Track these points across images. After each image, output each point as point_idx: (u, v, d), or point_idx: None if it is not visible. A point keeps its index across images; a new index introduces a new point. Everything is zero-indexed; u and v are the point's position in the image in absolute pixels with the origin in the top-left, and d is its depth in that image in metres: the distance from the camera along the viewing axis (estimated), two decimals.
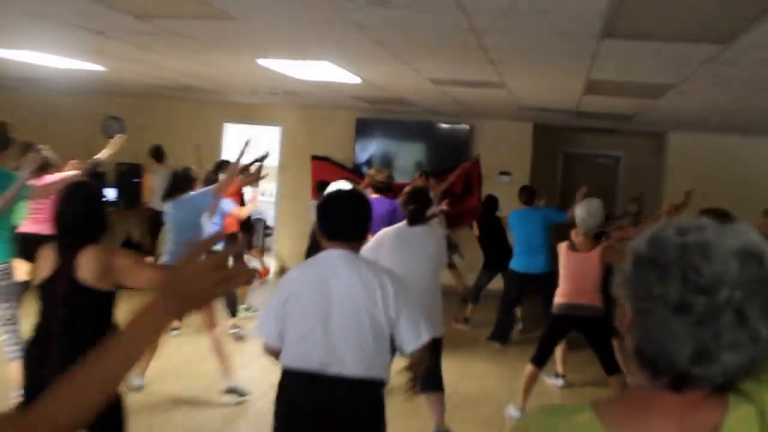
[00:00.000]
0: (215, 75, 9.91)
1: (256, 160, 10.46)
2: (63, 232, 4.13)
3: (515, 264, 9.95)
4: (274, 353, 3.91)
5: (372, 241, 6.05)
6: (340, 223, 3.91)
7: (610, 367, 6.94)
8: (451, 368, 6.62)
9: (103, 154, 8.27)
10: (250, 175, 9.43)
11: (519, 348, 9.79)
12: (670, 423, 1.42)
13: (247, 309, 10.40)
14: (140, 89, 12.99)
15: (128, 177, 13.90)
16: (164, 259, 7.49)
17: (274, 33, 6.40)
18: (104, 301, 4.03)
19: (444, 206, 10.02)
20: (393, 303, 3.75)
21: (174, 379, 7.52)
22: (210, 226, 8.42)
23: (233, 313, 9.38)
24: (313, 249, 7.98)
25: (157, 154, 12.58)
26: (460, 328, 10.67)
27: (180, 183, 7.40)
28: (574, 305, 7.01)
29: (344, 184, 7.51)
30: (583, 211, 7.10)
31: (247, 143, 10.64)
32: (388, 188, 8.49)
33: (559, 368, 8.45)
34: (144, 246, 12.81)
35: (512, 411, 7.21)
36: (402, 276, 5.92)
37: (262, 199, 16.82)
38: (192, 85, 11.57)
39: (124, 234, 13.63)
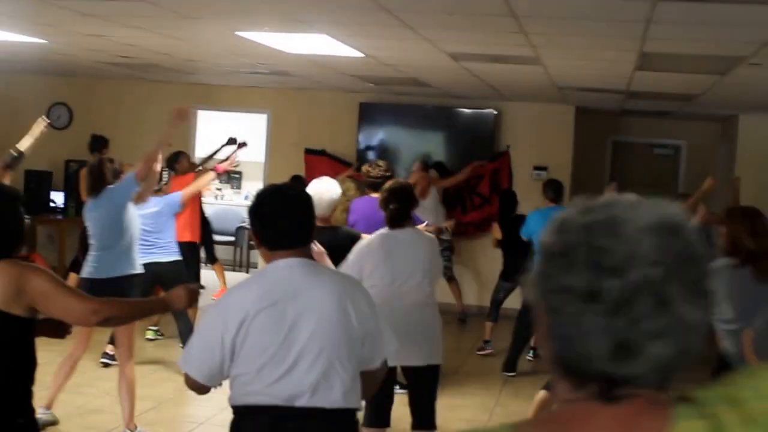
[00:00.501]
0: (184, 50, 9.91)
1: (229, 142, 10.49)
2: None
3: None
4: (201, 390, 3.84)
5: (352, 253, 6.07)
6: (284, 225, 3.83)
7: None
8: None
9: (23, 144, 8.09)
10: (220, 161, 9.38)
11: (522, 380, 9.81)
12: None
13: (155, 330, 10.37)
14: (92, 68, 12.97)
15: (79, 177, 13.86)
16: (85, 271, 7.26)
17: None
18: (15, 328, 3.89)
19: (449, 224, 9.99)
20: (367, 315, 3.77)
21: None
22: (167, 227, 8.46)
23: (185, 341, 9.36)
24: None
25: (94, 144, 12.05)
26: (486, 353, 10.65)
27: (95, 177, 7.27)
28: None
29: (327, 180, 7.25)
30: None
31: (232, 141, 10.67)
32: (383, 184, 8.38)
33: None
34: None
35: None
36: (391, 291, 5.98)
37: (246, 203, 16.81)
38: (155, 63, 11.58)
39: (75, 248, 13.59)
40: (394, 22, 6.83)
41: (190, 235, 10.00)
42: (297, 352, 3.63)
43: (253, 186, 16.42)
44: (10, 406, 3.93)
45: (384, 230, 6.20)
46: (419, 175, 11.69)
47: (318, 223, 6.52)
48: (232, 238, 15.98)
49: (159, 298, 4.74)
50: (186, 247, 9.55)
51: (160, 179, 8.77)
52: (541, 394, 7.16)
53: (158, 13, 7.22)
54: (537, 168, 13.67)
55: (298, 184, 9.15)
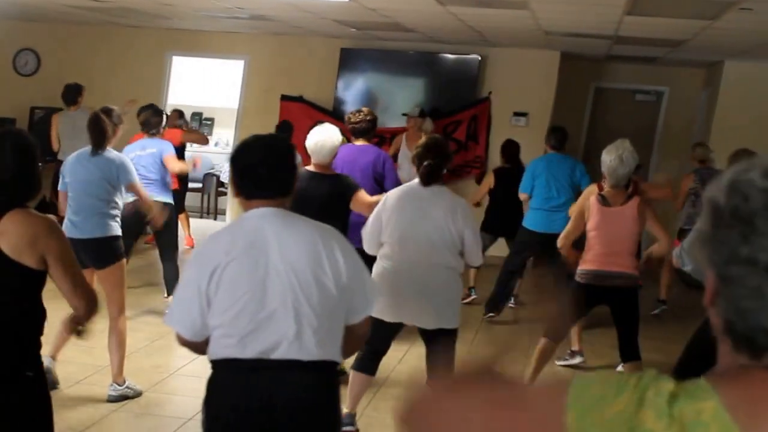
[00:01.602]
0: None
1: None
2: None
3: (532, 222, 9.99)
4: (194, 347, 3.87)
5: (378, 205, 6.15)
6: (261, 175, 3.85)
7: (629, 351, 7.13)
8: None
9: None
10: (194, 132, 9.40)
11: (512, 328, 10.03)
12: None
13: None
14: (60, 12, 12.89)
15: (45, 124, 13.79)
16: (66, 228, 6.94)
17: None
18: (27, 279, 3.94)
19: None
20: (342, 265, 3.74)
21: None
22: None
23: (172, 290, 9.46)
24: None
25: (68, 95, 11.94)
26: (470, 300, 10.72)
27: (94, 134, 7.12)
28: (604, 273, 7.08)
29: (330, 127, 7.37)
30: (613, 157, 7.06)
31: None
32: (369, 131, 8.39)
33: (575, 345, 8.64)
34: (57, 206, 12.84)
35: None
36: (399, 248, 6.04)
37: (216, 150, 16.84)
38: (128, 7, 11.59)
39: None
40: None
41: (174, 184, 10.10)
42: (269, 303, 3.65)
43: (224, 133, 16.47)
44: (19, 359, 3.99)
45: (411, 184, 6.23)
46: (415, 123, 11.77)
47: (318, 171, 6.74)
48: (199, 185, 15.86)
49: None
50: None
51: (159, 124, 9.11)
52: (542, 342, 7.32)
53: None
54: (516, 114, 13.81)
55: (286, 128, 9.20)
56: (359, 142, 8.07)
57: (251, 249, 3.68)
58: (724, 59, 13.51)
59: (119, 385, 7.00)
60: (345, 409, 6.04)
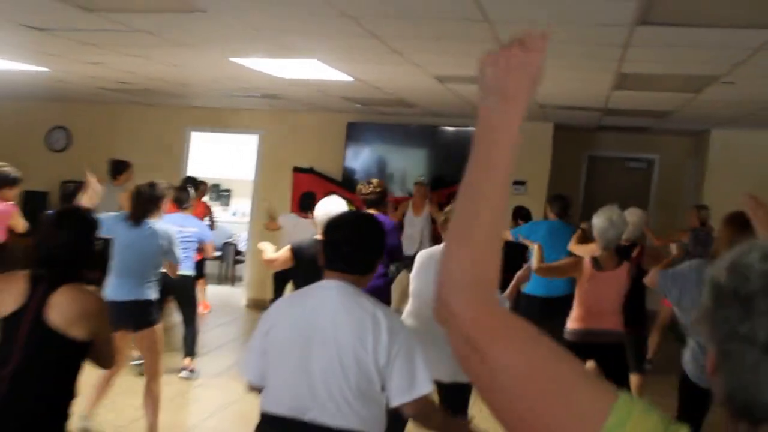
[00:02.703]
0: (181, 76, 9.91)
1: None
2: (40, 263, 4.00)
3: (535, 288, 9.86)
4: (258, 391, 3.88)
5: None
6: (342, 250, 3.83)
7: None
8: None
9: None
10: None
11: None
12: None
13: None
14: (90, 94, 12.97)
15: (73, 197, 13.69)
16: (108, 293, 7.12)
17: (250, 27, 6.39)
18: (69, 350, 3.91)
19: None
20: (385, 348, 3.63)
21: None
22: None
23: (191, 351, 9.37)
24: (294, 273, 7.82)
25: (112, 170, 11.63)
26: None
27: (145, 203, 7.16)
28: (591, 331, 7.01)
29: (336, 199, 7.41)
30: (602, 219, 7.02)
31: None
32: (379, 201, 8.34)
33: None
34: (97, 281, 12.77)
35: None
36: (420, 303, 6.01)
37: (233, 220, 16.86)
38: (152, 89, 11.56)
39: None
40: (384, 48, 6.84)
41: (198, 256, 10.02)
42: (309, 369, 3.65)
43: (241, 203, 16.42)
44: (49, 429, 3.98)
45: (436, 248, 6.36)
46: (420, 191, 11.64)
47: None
48: (219, 253, 15.69)
49: None
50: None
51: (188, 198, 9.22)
52: None
53: (154, 41, 7.23)
54: (516, 183, 13.66)
55: (309, 198, 9.14)
56: (370, 212, 8.01)
57: (303, 317, 3.76)
58: (710, 128, 13.43)
59: None
60: None
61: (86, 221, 4.23)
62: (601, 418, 1.37)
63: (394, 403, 3.68)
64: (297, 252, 6.72)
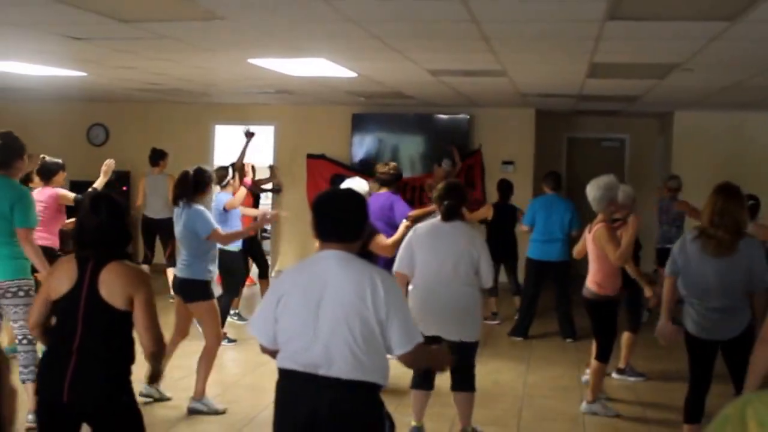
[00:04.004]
0: (205, 77, 9.94)
1: (246, 135, 10.53)
2: (85, 246, 4.07)
3: (532, 252, 10.07)
4: (271, 354, 3.93)
5: (409, 234, 6.30)
6: (331, 222, 3.88)
7: (596, 352, 7.19)
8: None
9: (98, 184, 8.26)
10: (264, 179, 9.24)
11: (533, 343, 9.87)
12: None
13: (237, 315, 10.45)
14: (125, 94, 13.00)
15: (115, 185, 13.81)
16: (179, 271, 7.15)
17: (265, 31, 6.42)
18: (122, 320, 3.99)
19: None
20: (383, 304, 3.67)
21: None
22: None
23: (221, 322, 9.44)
24: None
25: (152, 158, 12.08)
26: (491, 323, 10.69)
27: (195, 185, 7.09)
28: (584, 289, 7.22)
29: (359, 180, 7.50)
30: (592, 187, 7.07)
31: (248, 134, 10.62)
32: (392, 182, 8.38)
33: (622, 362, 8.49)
34: (139, 257, 12.90)
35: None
36: (430, 274, 6.07)
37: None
38: (179, 88, 11.58)
39: None
40: (384, 47, 6.86)
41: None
42: (318, 329, 3.69)
43: (263, 195, 16.49)
44: (113, 388, 4.03)
45: (434, 221, 6.32)
46: (442, 172, 11.64)
47: None
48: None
49: None
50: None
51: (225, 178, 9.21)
52: (594, 364, 7.24)
53: (181, 47, 7.25)
54: (505, 162, 13.80)
55: (340, 181, 9.14)
56: (383, 191, 8.05)
57: (310, 284, 3.77)
58: (674, 110, 13.49)
59: (197, 401, 7.03)
60: (413, 423, 6.43)
61: (117, 205, 4.23)
62: None
63: (397, 353, 3.73)
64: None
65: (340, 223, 3.87)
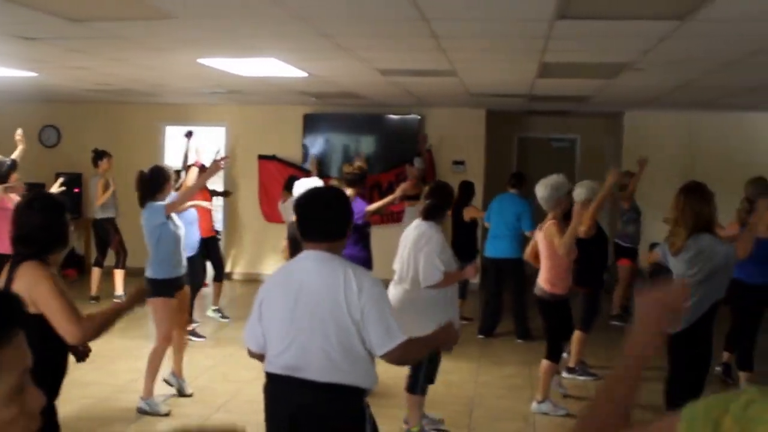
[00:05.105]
0: (155, 77, 9.80)
1: (186, 136, 10.43)
2: (17, 245, 3.94)
3: (485, 249, 10.19)
4: (258, 358, 3.90)
5: None
6: (314, 221, 3.83)
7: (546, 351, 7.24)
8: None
9: (17, 154, 8.28)
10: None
11: (485, 343, 9.87)
12: None
13: (216, 311, 10.45)
14: (77, 94, 12.78)
15: (68, 187, 13.61)
16: (148, 272, 7.11)
17: (216, 31, 6.35)
18: (37, 325, 3.71)
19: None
20: (357, 303, 3.60)
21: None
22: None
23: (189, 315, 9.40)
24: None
25: (94, 158, 11.89)
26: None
27: (153, 185, 7.09)
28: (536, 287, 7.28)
29: (313, 180, 7.48)
30: (541, 187, 7.15)
31: (189, 134, 10.51)
32: (357, 181, 8.31)
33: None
34: (87, 259, 12.76)
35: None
36: (398, 273, 6.16)
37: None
38: (130, 88, 11.43)
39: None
40: (334, 46, 6.80)
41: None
42: (294, 330, 3.67)
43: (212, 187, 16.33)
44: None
45: (418, 219, 6.39)
46: (415, 171, 11.57)
47: None
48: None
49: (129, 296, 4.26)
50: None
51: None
52: (544, 363, 7.25)
53: (132, 46, 7.15)
54: (456, 162, 13.80)
55: (295, 181, 8.97)
56: (348, 191, 8.01)
57: (288, 286, 3.76)
58: (624, 110, 13.59)
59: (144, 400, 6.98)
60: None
61: (56, 204, 4.09)
62: (676, 417, 1.47)
63: (378, 353, 3.67)
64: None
65: (323, 221, 3.82)
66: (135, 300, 4.19)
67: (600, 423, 1.73)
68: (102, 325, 3.98)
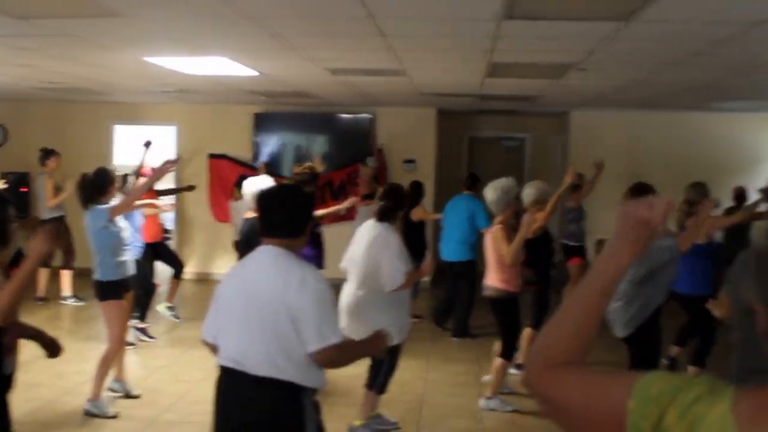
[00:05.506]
0: (102, 75, 9.72)
1: (145, 145, 10.33)
2: None
3: (441, 252, 10.18)
4: (211, 348, 3.92)
5: None
6: (273, 217, 3.84)
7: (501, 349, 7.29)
8: (366, 362, 6.61)
9: None
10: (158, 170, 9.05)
11: (434, 341, 9.91)
12: None
13: (170, 308, 10.39)
14: (24, 93, 12.65)
15: (15, 186, 13.44)
16: (96, 275, 6.99)
17: (162, 29, 6.32)
18: None
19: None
20: (296, 301, 3.60)
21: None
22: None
23: (142, 315, 9.34)
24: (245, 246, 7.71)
25: (41, 157, 11.54)
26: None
27: (97, 187, 6.95)
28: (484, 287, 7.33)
29: (263, 177, 7.45)
30: (490, 189, 7.20)
31: (146, 144, 10.41)
32: (308, 182, 8.28)
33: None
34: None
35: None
36: (351, 271, 6.15)
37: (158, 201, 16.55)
38: (79, 87, 11.32)
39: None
40: (283, 45, 6.81)
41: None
42: (240, 325, 3.71)
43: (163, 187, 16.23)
44: None
45: (372, 220, 6.35)
46: (369, 170, 11.57)
47: (253, 215, 6.64)
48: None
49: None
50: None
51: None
52: (498, 361, 7.31)
53: (79, 44, 7.10)
54: (406, 161, 13.83)
55: (241, 180, 8.87)
56: None
57: (240, 280, 3.81)
58: (570, 110, 13.73)
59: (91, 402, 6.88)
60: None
61: None
62: (624, 402, 1.47)
63: (307, 351, 3.64)
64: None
65: (282, 217, 3.83)
66: (39, 247, 3.84)
67: (561, 341, 1.70)
68: (12, 289, 3.79)
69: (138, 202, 8.10)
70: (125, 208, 7.16)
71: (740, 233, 9.99)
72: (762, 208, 9.80)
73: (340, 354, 3.75)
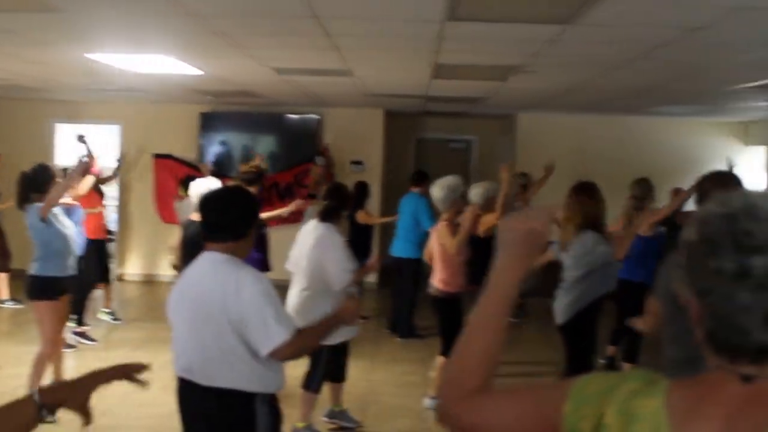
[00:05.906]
0: (42, 72, 9.56)
1: (79, 140, 10.15)
2: None
3: (391, 248, 10.26)
4: None
5: None
6: (213, 221, 3.75)
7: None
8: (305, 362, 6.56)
9: None
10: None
11: (378, 341, 9.90)
12: (722, 413, 1.37)
13: (109, 314, 10.26)
14: None
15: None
16: (32, 268, 6.83)
17: (104, 25, 6.23)
18: None
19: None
20: (235, 305, 3.53)
21: None
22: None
23: (80, 319, 9.21)
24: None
25: None
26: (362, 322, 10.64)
27: (36, 184, 6.80)
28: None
29: (210, 179, 7.41)
30: (437, 188, 7.23)
31: (81, 138, 10.24)
32: (254, 180, 8.25)
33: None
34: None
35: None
36: (294, 274, 6.13)
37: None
38: (18, 84, 11.13)
39: None
40: (227, 44, 6.75)
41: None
42: (188, 334, 3.67)
43: (107, 190, 16.00)
44: None
45: (314, 221, 6.33)
46: (319, 169, 11.55)
47: (198, 218, 6.57)
48: None
49: None
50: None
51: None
52: (439, 359, 7.29)
53: (16, 40, 6.98)
54: (354, 162, 13.83)
55: (188, 181, 8.78)
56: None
57: (184, 288, 3.76)
58: (517, 112, 13.83)
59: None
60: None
61: None
62: (560, 406, 1.49)
63: (262, 354, 3.59)
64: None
65: (225, 220, 3.74)
66: None
67: (472, 367, 1.70)
68: None
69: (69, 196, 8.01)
70: (49, 207, 6.96)
71: (677, 229, 10.17)
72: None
73: (298, 345, 3.67)
